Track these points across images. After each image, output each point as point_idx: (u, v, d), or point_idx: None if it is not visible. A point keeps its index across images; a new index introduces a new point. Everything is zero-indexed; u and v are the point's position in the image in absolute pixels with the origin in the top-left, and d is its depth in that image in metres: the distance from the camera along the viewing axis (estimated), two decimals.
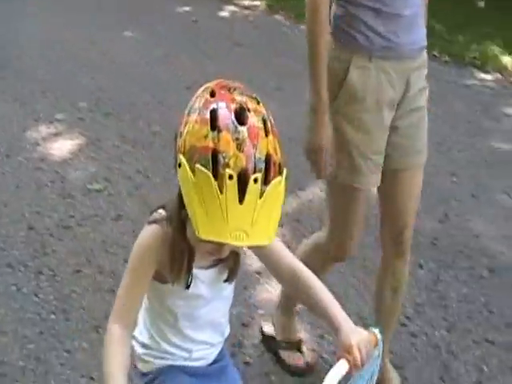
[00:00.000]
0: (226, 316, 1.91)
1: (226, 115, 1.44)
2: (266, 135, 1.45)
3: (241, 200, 1.41)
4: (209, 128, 1.43)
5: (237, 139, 1.42)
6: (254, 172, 1.41)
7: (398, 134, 2.42)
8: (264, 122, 1.47)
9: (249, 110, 1.46)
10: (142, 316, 1.86)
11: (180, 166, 1.47)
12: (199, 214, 1.44)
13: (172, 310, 1.80)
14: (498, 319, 3.33)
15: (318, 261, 2.57)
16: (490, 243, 3.92)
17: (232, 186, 1.40)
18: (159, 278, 1.73)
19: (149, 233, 1.69)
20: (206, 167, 1.41)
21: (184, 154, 1.46)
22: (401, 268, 2.66)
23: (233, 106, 1.46)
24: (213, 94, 1.49)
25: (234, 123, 1.43)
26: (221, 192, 1.40)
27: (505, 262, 3.73)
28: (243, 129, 1.43)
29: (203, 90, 1.52)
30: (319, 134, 2.30)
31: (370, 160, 2.39)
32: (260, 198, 1.42)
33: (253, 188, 1.41)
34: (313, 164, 2.37)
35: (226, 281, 1.79)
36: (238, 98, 1.48)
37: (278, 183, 1.45)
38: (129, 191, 4.32)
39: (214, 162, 1.41)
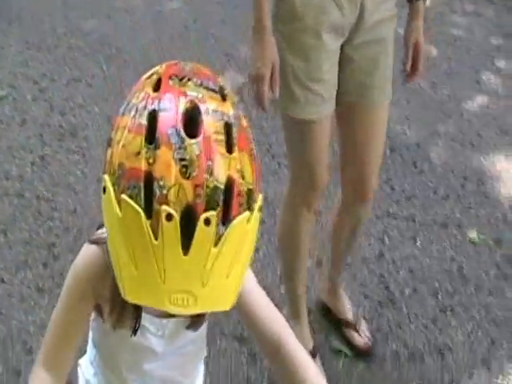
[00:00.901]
0: (189, 375, 1.56)
1: (168, 121, 1.01)
2: (230, 151, 1.01)
3: (185, 249, 0.98)
4: (143, 140, 1.00)
5: (182, 160, 0.98)
6: (206, 209, 0.98)
7: (352, 66, 2.17)
8: (227, 129, 1.03)
9: (205, 113, 1.02)
10: (89, 346, 1.54)
11: (104, 190, 1.04)
12: (125, 267, 1.02)
13: (115, 357, 1.45)
14: (399, 194, 3.39)
15: (293, 213, 2.41)
16: (393, 124, 3.94)
17: (172, 230, 0.98)
18: (100, 313, 1.34)
19: (87, 255, 1.28)
20: (135, 199, 0.99)
21: (110, 174, 1.04)
22: (362, 208, 2.46)
23: (181, 106, 1.02)
24: (157, 86, 1.06)
25: (179, 134, 0.99)
26: (155, 237, 0.98)
27: (406, 142, 3.77)
28: (193, 142, 0.99)
29: (146, 78, 1.10)
30: (260, 61, 2.06)
31: (309, 90, 2.13)
32: (215, 245, 0.99)
33: (203, 232, 0.98)
34: (254, 94, 2.13)
35: (188, 328, 1.37)
36: (193, 92, 1.04)
37: (245, 221, 1.02)
38: (34, 95, 4.18)
39: (148, 192, 0.99)
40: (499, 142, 3.81)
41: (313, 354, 2.56)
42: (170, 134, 0.99)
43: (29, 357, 2.63)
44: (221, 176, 0.99)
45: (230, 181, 1.00)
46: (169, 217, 0.97)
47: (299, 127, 2.21)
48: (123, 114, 1.07)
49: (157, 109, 1.02)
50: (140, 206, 0.98)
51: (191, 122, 1.01)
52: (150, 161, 0.99)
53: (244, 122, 1.07)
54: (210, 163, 0.99)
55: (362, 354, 2.69)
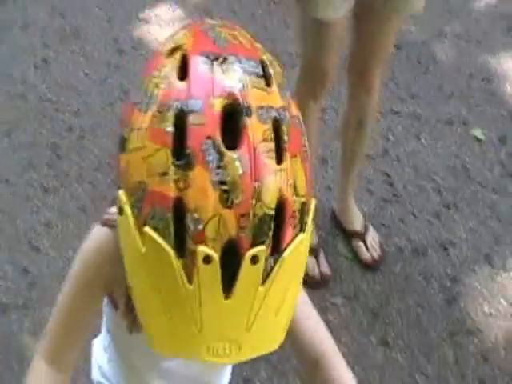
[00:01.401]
0: (213, 373, 1.38)
1: (202, 128, 0.79)
2: (280, 160, 0.81)
3: (227, 293, 0.79)
4: (170, 155, 0.79)
5: (221, 183, 0.77)
6: (254, 243, 0.79)
7: None
8: (277, 131, 0.82)
9: (249, 112, 0.81)
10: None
11: (120, 211, 0.84)
12: (151, 312, 0.84)
13: (130, 350, 1.27)
14: (404, 92, 3.31)
15: (299, 103, 2.30)
16: None
17: (210, 273, 0.78)
18: (115, 304, 1.15)
19: (98, 238, 1.10)
20: (162, 233, 0.79)
21: (127, 192, 0.83)
22: (367, 100, 2.41)
23: (218, 105, 0.80)
24: (183, 71, 0.84)
25: (217, 148, 0.78)
26: (189, 281, 0.78)
27: (411, 40, 3.65)
28: (235, 158, 0.78)
29: (168, 54, 0.87)
30: None
31: None
32: (263, 283, 0.81)
33: (250, 272, 0.79)
34: None
35: None
36: (232, 81, 0.82)
37: (298, 245, 0.83)
38: None
39: (178, 226, 0.78)
40: (506, 40, 3.69)
41: (317, 250, 2.55)
42: (206, 148, 0.78)
43: (35, 255, 2.63)
44: (270, 198, 0.79)
45: (282, 202, 0.80)
46: (207, 259, 0.77)
47: (314, 25, 2.09)
48: (138, 106, 0.85)
49: (185, 109, 0.80)
50: (169, 243, 0.78)
51: (231, 125, 0.80)
52: (181, 185, 0.77)
53: (294, 110, 0.87)
54: (257, 184, 0.78)
55: (369, 268, 2.64)
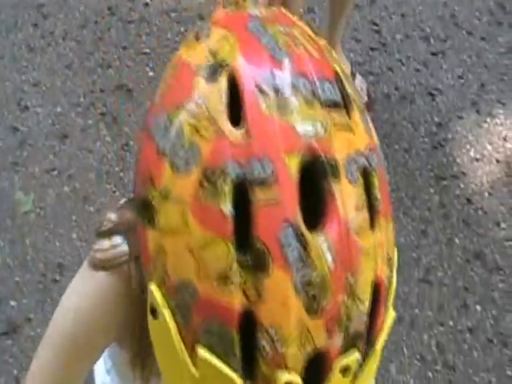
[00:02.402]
0: None
1: (277, 210, 0.57)
2: (372, 227, 0.61)
3: None
4: (232, 250, 0.56)
5: (308, 284, 0.57)
6: (344, 350, 0.60)
7: None
8: (368, 187, 0.61)
9: (335, 171, 0.59)
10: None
11: (153, 313, 0.62)
12: None
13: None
14: None
15: None
16: None
17: None
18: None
19: (94, 292, 0.81)
20: (222, 355, 0.58)
21: (162, 287, 0.61)
22: None
23: (293, 167, 0.58)
24: (235, 106, 0.60)
25: (300, 235, 0.56)
26: None
27: None
28: (320, 242, 0.57)
29: (209, 75, 0.62)
30: None
31: None
32: None
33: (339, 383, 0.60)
34: None
35: None
36: (305, 124, 0.59)
37: (388, 328, 0.65)
38: None
39: (247, 347, 0.58)
40: None
41: None
42: (284, 237, 0.55)
43: (25, 114, 2.59)
44: (365, 289, 0.59)
45: (378, 287, 0.61)
46: None
47: None
48: (168, 158, 0.60)
49: (250, 176, 0.56)
50: (233, 367, 0.57)
51: (308, 191, 0.58)
52: (251, 294, 0.55)
53: (375, 138, 0.65)
54: (351, 276, 0.58)
55: None
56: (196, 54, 0.64)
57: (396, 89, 2.66)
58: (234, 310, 0.56)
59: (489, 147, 2.56)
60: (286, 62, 0.61)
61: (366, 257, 0.59)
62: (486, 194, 2.43)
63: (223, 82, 0.60)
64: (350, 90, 0.63)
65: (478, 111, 2.65)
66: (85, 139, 2.54)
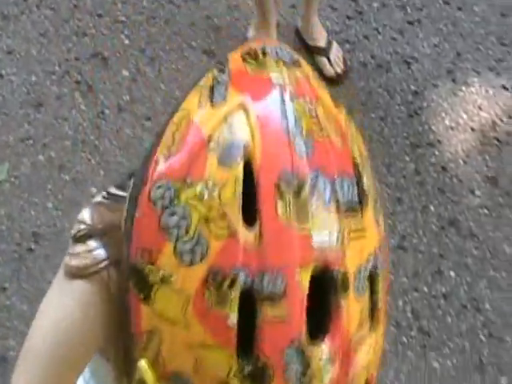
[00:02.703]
0: None
1: (285, 330, 0.55)
2: (371, 329, 0.61)
3: None
4: (234, 362, 0.55)
5: None
6: None
7: None
8: (372, 293, 0.60)
9: (345, 284, 0.57)
10: None
11: None
12: None
13: None
14: None
15: None
16: None
17: None
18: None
19: (71, 302, 0.75)
20: None
21: (156, 372, 0.58)
22: None
23: (304, 278, 0.55)
24: (251, 205, 0.56)
25: (301, 349, 0.55)
26: None
27: None
28: (322, 356, 0.56)
29: (225, 153, 0.57)
30: None
31: None
32: None
33: None
34: None
35: None
36: (324, 229, 0.56)
37: None
38: None
39: None
40: None
41: None
42: (288, 355, 0.54)
43: None
44: None
45: (368, 382, 0.61)
46: None
47: None
48: (173, 240, 0.55)
49: (260, 290, 0.54)
50: None
51: (313, 303, 0.56)
52: None
53: (382, 230, 0.63)
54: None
55: (333, 83, 2.52)
56: (209, 120, 0.58)
57: (372, 57, 2.63)
58: None
59: (464, 116, 2.55)
60: (309, 153, 0.57)
61: (363, 365, 0.59)
62: (461, 162, 2.43)
63: (239, 169, 0.55)
64: (366, 182, 0.61)
65: (453, 80, 2.64)
66: (60, 108, 2.50)
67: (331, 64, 2.53)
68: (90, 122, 2.47)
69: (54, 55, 2.63)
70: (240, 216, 0.54)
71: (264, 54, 0.63)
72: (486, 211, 2.28)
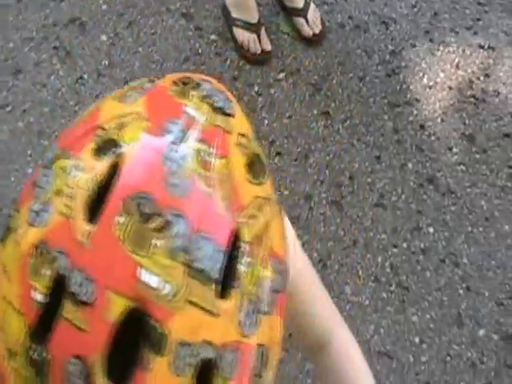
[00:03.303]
0: None
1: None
2: None
3: None
4: (25, 336, 0.54)
5: None
6: None
7: None
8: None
9: (158, 343, 0.50)
10: None
11: None
12: None
13: None
14: None
15: None
16: None
17: None
18: None
19: None
20: None
21: None
22: None
23: (115, 301, 0.51)
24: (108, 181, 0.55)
25: (86, 373, 0.51)
26: None
27: None
28: None
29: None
30: None
31: None
32: None
33: None
34: None
35: None
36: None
37: None
38: None
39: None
40: None
41: (258, 27, 2.44)
42: (70, 375, 0.51)
43: None
44: None
45: None
46: None
47: None
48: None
49: (67, 283, 0.52)
50: None
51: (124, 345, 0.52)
52: None
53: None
54: None
55: (311, 44, 2.52)
56: (110, 111, 0.59)
57: (350, 18, 2.60)
58: None
59: (441, 74, 2.54)
60: (181, 195, 0.52)
61: None
62: (439, 120, 2.42)
63: (104, 166, 0.54)
64: (240, 268, 0.54)
65: (431, 39, 2.61)
66: (38, 74, 2.46)
67: (309, 25, 2.49)
68: (68, 88, 2.44)
69: (31, 21, 2.59)
70: (85, 206, 0.53)
71: (197, 86, 0.59)
72: (463, 168, 2.28)
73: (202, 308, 0.51)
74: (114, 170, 0.53)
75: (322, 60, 2.49)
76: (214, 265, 0.51)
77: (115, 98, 0.60)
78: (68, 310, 0.50)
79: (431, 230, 2.13)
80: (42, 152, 2.30)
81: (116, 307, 0.50)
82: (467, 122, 2.40)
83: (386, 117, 2.40)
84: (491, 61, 2.57)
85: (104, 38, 2.56)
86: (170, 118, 0.56)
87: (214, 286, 0.51)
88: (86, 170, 0.54)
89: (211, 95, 0.59)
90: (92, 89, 2.44)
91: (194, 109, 0.57)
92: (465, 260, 2.07)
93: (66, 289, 0.51)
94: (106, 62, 2.50)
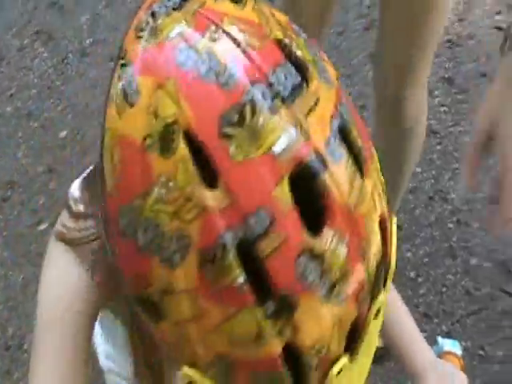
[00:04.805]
0: None
1: (285, 250, 0.52)
2: (363, 176, 0.56)
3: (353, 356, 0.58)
4: (258, 313, 0.53)
5: (331, 287, 0.54)
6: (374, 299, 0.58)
7: None
8: (353, 151, 0.56)
9: (321, 163, 0.52)
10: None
11: None
12: None
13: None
14: None
15: None
16: None
17: None
18: None
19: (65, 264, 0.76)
20: None
21: (194, 365, 0.57)
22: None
23: (285, 186, 0.51)
24: (195, 147, 0.51)
25: (306, 253, 0.52)
26: None
27: None
28: (329, 241, 0.53)
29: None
30: None
31: None
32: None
33: (373, 326, 0.58)
34: None
35: None
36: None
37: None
38: None
39: (295, 372, 0.56)
40: None
41: None
42: (300, 271, 0.51)
43: None
44: (375, 241, 0.57)
45: (382, 224, 0.57)
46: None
47: None
48: (154, 254, 0.53)
49: (249, 237, 0.51)
50: None
51: (303, 193, 0.52)
52: (287, 333, 0.53)
53: (341, 89, 0.58)
54: (365, 245, 0.56)
55: None
56: (134, 123, 0.52)
57: None
58: (276, 354, 0.53)
59: None
60: (236, 77, 0.50)
61: (369, 217, 0.55)
62: None
63: (182, 150, 0.50)
64: (299, 51, 0.54)
65: None
66: (22, 59, 2.50)
67: None
68: (54, 69, 2.48)
69: (12, 9, 2.63)
70: (202, 186, 0.50)
71: (153, 16, 0.54)
72: (445, 109, 2.30)
73: (312, 108, 0.52)
74: (189, 138, 0.51)
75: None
76: (291, 75, 0.53)
77: (121, 112, 0.53)
78: (262, 248, 0.51)
79: (419, 169, 2.15)
80: (33, 133, 2.33)
81: (286, 193, 0.50)
82: (446, 65, 2.43)
83: (367, 67, 2.42)
84: (465, 6, 2.60)
85: (85, 17, 2.60)
86: (168, 56, 0.53)
87: (304, 88, 0.53)
88: (171, 173, 0.51)
89: (167, 5, 0.54)
90: (77, 67, 2.48)
91: (172, 29, 0.53)
92: (453, 195, 2.10)
93: (251, 240, 0.50)
94: (89, 41, 2.54)
